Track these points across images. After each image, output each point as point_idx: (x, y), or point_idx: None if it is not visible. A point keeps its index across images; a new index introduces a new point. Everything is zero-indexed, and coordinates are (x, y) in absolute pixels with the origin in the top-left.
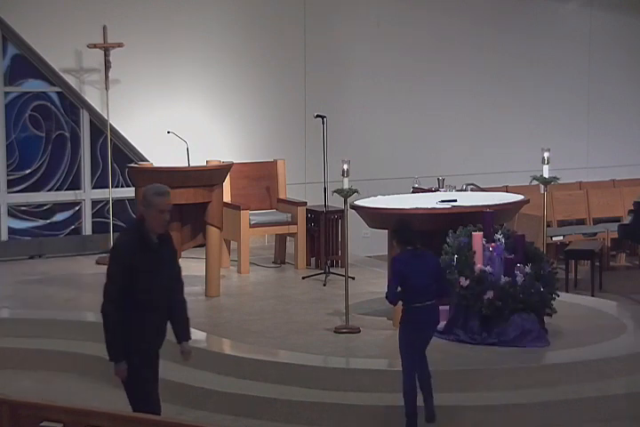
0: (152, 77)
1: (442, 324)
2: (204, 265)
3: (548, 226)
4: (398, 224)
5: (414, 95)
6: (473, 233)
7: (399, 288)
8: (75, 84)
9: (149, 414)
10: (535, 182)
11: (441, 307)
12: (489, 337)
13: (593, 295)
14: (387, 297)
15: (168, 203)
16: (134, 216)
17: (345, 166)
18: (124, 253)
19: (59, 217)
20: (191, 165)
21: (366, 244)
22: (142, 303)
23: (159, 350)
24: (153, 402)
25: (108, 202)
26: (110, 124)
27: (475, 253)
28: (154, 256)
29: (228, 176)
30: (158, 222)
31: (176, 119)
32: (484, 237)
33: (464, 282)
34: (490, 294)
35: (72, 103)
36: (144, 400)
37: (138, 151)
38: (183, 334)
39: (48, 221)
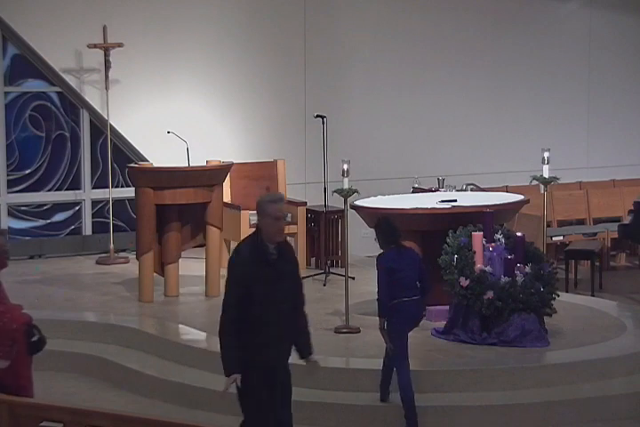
0: (152, 77)
1: (442, 324)
2: (204, 265)
3: (548, 226)
4: (381, 224)
5: (414, 95)
6: (473, 233)
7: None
8: (75, 84)
9: (149, 414)
10: (535, 182)
11: (441, 307)
12: (489, 337)
13: (593, 295)
14: (379, 299)
15: (283, 210)
16: (134, 216)
17: (345, 166)
18: (238, 265)
19: (59, 217)
20: (191, 165)
21: (366, 244)
22: (258, 317)
23: (284, 372)
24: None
25: (108, 202)
26: (110, 124)
27: (475, 253)
28: (271, 268)
29: (227, 176)
30: (274, 230)
31: (176, 119)
32: (483, 237)
33: (464, 282)
34: (490, 294)
35: (72, 103)
36: (258, 422)
37: (138, 151)
38: (305, 349)
39: (48, 221)
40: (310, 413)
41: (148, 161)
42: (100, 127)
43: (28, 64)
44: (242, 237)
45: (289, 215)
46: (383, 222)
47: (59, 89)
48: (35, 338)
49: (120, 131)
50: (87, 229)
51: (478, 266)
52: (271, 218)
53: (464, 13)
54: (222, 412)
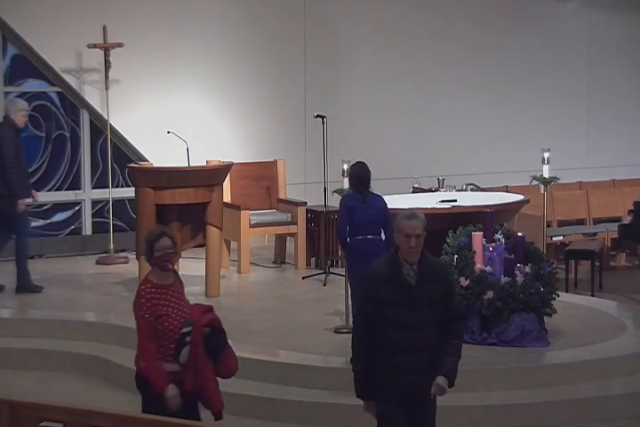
0: (152, 77)
1: None
2: (204, 265)
3: (548, 226)
4: (353, 170)
5: (414, 95)
6: (473, 233)
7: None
8: (75, 84)
9: (149, 414)
10: (535, 182)
11: None
12: (489, 337)
13: (593, 295)
14: (338, 235)
15: (416, 226)
16: (134, 216)
17: (345, 166)
18: (370, 281)
19: (59, 217)
20: (191, 165)
21: None
22: (390, 343)
23: (424, 405)
24: None
25: (108, 202)
26: (110, 124)
27: (475, 253)
28: (405, 290)
29: (227, 176)
30: (404, 248)
31: (176, 119)
32: (483, 237)
33: (464, 282)
34: (490, 294)
35: (72, 103)
36: None
37: (138, 151)
38: (440, 368)
39: (48, 221)
40: (310, 413)
41: (147, 161)
42: (100, 127)
43: (28, 64)
44: (242, 237)
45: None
46: (355, 169)
47: (59, 89)
48: (212, 339)
49: (120, 131)
50: (87, 229)
51: (478, 266)
52: (402, 235)
53: (464, 13)
54: None
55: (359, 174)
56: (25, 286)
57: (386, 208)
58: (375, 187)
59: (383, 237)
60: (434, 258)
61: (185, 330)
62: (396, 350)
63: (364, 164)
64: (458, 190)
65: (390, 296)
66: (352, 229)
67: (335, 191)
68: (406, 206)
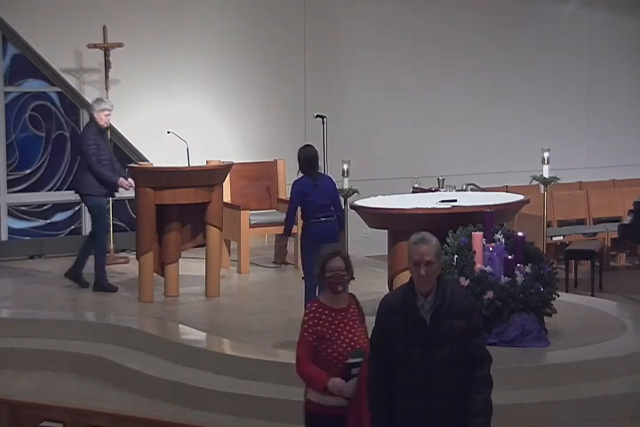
0: (152, 77)
1: None
2: (204, 265)
3: (548, 226)
4: (301, 153)
5: (414, 95)
6: (473, 233)
7: (299, 208)
8: (75, 84)
9: (149, 414)
10: (535, 182)
11: None
12: (489, 337)
13: (593, 295)
14: (285, 218)
15: (426, 253)
16: (134, 216)
17: (345, 166)
18: (381, 315)
19: (59, 217)
20: (191, 165)
21: (366, 244)
22: (401, 384)
23: None
24: None
25: (108, 202)
26: (110, 124)
27: (475, 253)
28: (419, 326)
29: (227, 176)
30: (415, 277)
31: (176, 119)
32: (483, 237)
33: (464, 282)
34: (490, 294)
35: (72, 103)
36: None
37: (138, 151)
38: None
39: (48, 221)
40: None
41: (147, 161)
42: None
43: (28, 64)
44: (242, 238)
45: None
46: (303, 152)
47: (59, 89)
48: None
49: (120, 131)
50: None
51: (478, 266)
52: (411, 262)
53: (464, 13)
54: (222, 412)
55: (307, 156)
56: (99, 282)
57: (335, 188)
58: (375, 187)
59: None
60: (456, 288)
61: (352, 360)
62: (409, 395)
63: (310, 146)
64: (458, 190)
65: (402, 331)
66: (306, 213)
67: None
68: (407, 206)
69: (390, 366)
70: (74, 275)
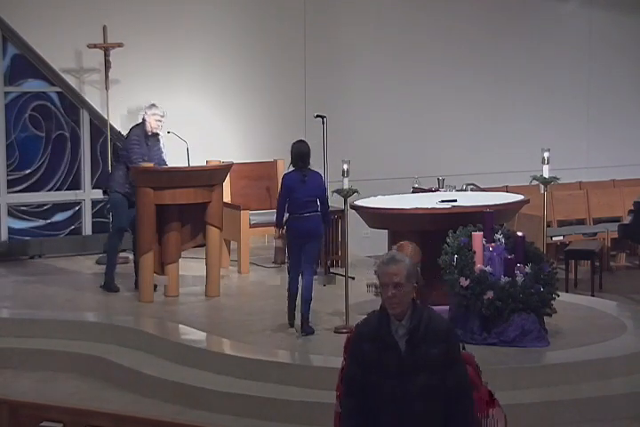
0: (152, 77)
1: None
2: (204, 265)
3: (548, 226)
4: (294, 148)
5: (414, 95)
6: (473, 233)
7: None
8: (75, 84)
9: (149, 414)
10: (535, 182)
11: (441, 307)
12: (489, 337)
13: (593, 295)
14: (276, 212)
15: (395, 273)
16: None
17: (345, 166)
18: (355, 338)
19: (59, 217)
20: (191, 165)
21: (366, 244)
22: (375, 417)
23: None
24: None
25: (107, 202)
26: (110, 124)
27: (475, 253)
28: (392, 353)
29: (227, 176)
30: (384, 300)
31: (176, 119)
32: (483, 237)
33: (464, 282)
34: (490, 294)
35: (72, 103)
36: None
37: None
38: None
39: (48, 221)
40: (310, 413)
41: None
42: (100, 127)
43: (28, 64)
44: (242, 238)
45: None
46: (296, 147)
47: (59, 89)
48: None
49: (120, 131)
50: (87, 229)
51: (478, 266)
52: (381, 283)
53: (464, 14)
54: (222, 412)
55: (299, 152)
56: (106, 281)
57: (321, 184)
58: (375, 187)
59: None
60: (433, 313)
61: None
62: (384, 423)
63: (303, 141)
64: (458, 190)
65: (374, 359)
66: (290, 208)
67: (335, 191)
68: (407, 206)
69: (366, 401)
70: (105, 281)
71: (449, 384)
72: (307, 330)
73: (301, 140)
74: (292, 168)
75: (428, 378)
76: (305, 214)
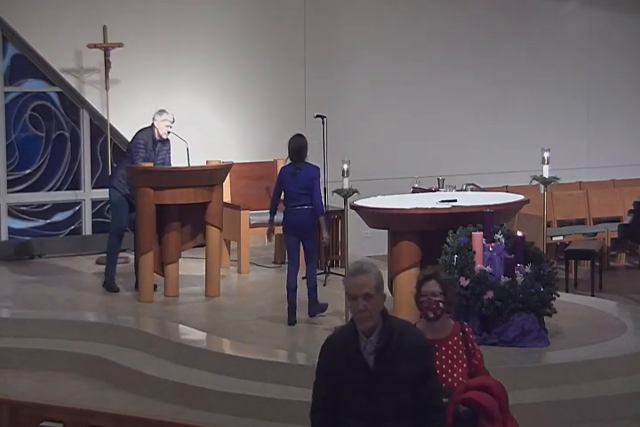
0: (152, 77)
1: None
2: (204, 265)
3: (548, 226)
4: (291, 142)
5: (414, 95)
6: (473, 233)
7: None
8: (75, 84)
9: (149, 414)
10: (535, 182)
11: None
12: (489, 337)
13: (593, 295)
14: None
15: (364, 284)
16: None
17: (345, 166)
18: (323, 356)
19: (59, 217)
20: (191, 165)
21: (366, 244)
22: None
23: None
24: None
25: (107, 202)
26: (110, 124)
27: (475, 253)
28: (362, 370)
29: (227, 176)
30: (353, 314)
31: (176, 119)
32: (483, 237)
33: (464, 282)
34: (490, 294)
35: (72, 103)
36: None
37: None
38: None
39: (48, 221)
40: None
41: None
42: (100, 127)
43: (28, 64)
44: (242, 238)
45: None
46: (292, 141)
47: (59, 89)
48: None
49: (120, 131)
50: (87, 229)
51: (478, 266)
52: (349, 296)
53: (464, 14)
54: (222, 412)
55: (295, 146)
56: (106, 280)
57: (314, 178)
58: (375, 187)
59: None
60: (406, 327)
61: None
62: None
63: (300, 135)
64: (458, 190)
65: (344, 375)
66: (284, 201)
67: (335, 191)
68: (407, 206)
69: (339, 416)
70: (105, 280)
71: (422, 400)
72: (315, 309)
73: (298, 135)
74: (289, 161)
75: (399, 396)
76: (297, 207)
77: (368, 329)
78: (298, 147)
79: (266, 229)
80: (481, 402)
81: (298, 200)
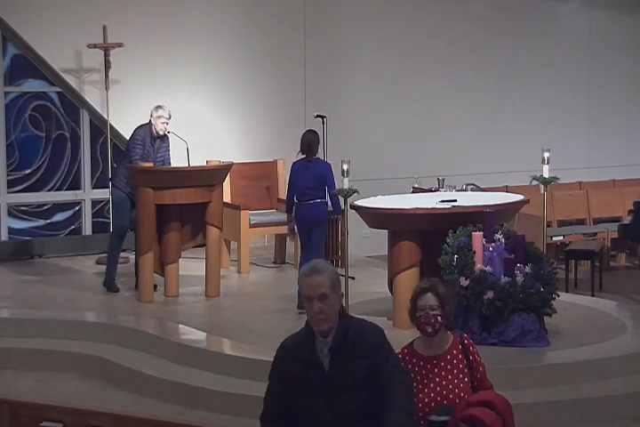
0: (152, 77)
1: None
2: (204, 265)
3: (548, 226)
4: (303, 136)
5: (414, 95)
6: (473, 233)
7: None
8: (75, 84)
9: (149, 414)
10: (535, 182)
11: None
12: (489, 337)
13: (593, 295)
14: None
15: (318, 285)
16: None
17: (345, 166)
18: (277, 356)
19: (59, 217)
20: (191, 165)
21: (366, 244)
22: None
23: None
24: None
25: (108, 202)
26: (110, 124)
27: (475, 253)
28: (317, 373)
29: (227, 176)
30: (309, 315)
31: (176, 119)
32: (483, 237)
33: (464, 282)
34: (490, 294)
35: (72, 103)
36: None
37: None
38: None
39: (48, 221)
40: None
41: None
42: (100, 127)
43: (28, 64)
44: (242, 238)
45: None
46: (304, 136)
47: (59, 89)
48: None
49: (120, 131)
50: (87, 229)
51: (478, 266)
52: (304, 298)
53: (464, 14)
54: (222, 412)
55: (306, 140)
56: (106, 280)
57: (326, 173)
58: (375, 187)
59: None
60: (363, 325)
61: (436, 419)
62: None
63: (313, 131)
64: (458, 190)
65: (299, 378)
66: (296, 195)
67: (335, 191)
68: (407, 206)
69: (291, 423)
70: (105, 280)
71: (382, 374)
72: None
73: (310, 130)
74: (300, 155)
75: (358, 396)
76: (307, 202)
77: (325, 331)
78: (308, 142)
79: (267, 228)
80: (483, 419)
81: (308, 194)
